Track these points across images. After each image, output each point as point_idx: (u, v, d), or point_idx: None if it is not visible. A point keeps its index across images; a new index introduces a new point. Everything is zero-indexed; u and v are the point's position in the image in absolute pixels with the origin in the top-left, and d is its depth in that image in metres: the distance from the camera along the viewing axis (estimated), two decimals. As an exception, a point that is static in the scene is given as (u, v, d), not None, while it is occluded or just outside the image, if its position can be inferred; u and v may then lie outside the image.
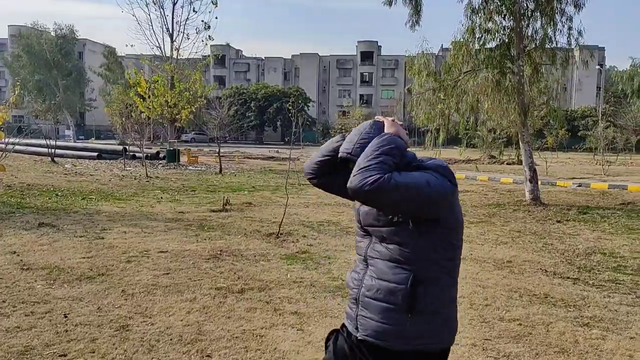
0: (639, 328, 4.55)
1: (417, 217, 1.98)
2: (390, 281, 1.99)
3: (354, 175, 1.91)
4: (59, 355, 3.70)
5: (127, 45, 70.40)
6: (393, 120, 2.11)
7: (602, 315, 4.84)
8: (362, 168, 1.90)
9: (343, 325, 2.20)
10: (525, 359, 3.85)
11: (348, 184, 1.92)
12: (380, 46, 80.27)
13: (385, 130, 2.06)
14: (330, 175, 2.24)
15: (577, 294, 5.49)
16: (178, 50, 26.42)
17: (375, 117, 2.18)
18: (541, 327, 4.51)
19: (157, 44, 27.09)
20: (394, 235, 2.01)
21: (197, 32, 27.05)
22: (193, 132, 59.14)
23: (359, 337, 2.06)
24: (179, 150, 24.90)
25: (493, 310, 4.91)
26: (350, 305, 2.14)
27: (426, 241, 1.99)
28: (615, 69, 39.20)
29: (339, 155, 2.11)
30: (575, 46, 13.68)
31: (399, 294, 1.97)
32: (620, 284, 5.97)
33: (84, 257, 6.40)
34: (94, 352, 3.75)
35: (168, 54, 26.46)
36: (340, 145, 2.13)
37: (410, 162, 2.05)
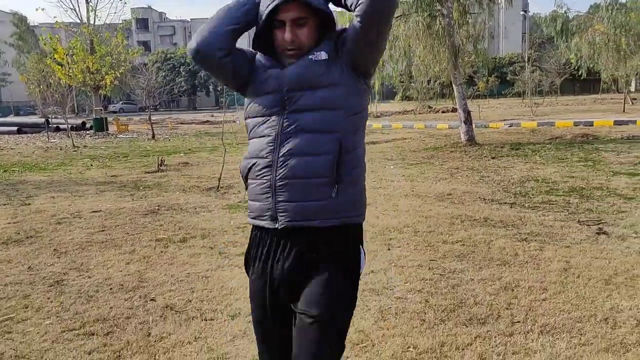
0: (573, 238, 4.76)
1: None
2: (316, 154, 1.71)
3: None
4: (-13, 315, 3.43)
5: (37, 9, 65.55)
6: None
7: (538, 231, 5.03)
8: None
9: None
10: (470, 272, 3.93)
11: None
12: None
13: None
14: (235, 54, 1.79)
15: (515, 215, 5.68)
16: (95, 12, 24.81)
17: None
18: (483, 245, 4.63)
19: (72, 6, 25.36)
20: (330, 95, 1.73)
21: (113, -10, 25.54)
22: (121, 102, 56.60)
23: (279, 227, 1.78)
24: (106, 118, 23.68)
25: (436, 235, 4.99)
26: (261, 197, 1.84)
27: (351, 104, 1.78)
28: (539, 15, 40.54)
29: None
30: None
31: (327, 165, 1.70)
32: (553, 204, 6.24)
33: (9, 223, 5.98)
34: (27, 307, 3.50)
35: (84, 17, 24.82)
36: (252, 8, 1.74)
37: None
